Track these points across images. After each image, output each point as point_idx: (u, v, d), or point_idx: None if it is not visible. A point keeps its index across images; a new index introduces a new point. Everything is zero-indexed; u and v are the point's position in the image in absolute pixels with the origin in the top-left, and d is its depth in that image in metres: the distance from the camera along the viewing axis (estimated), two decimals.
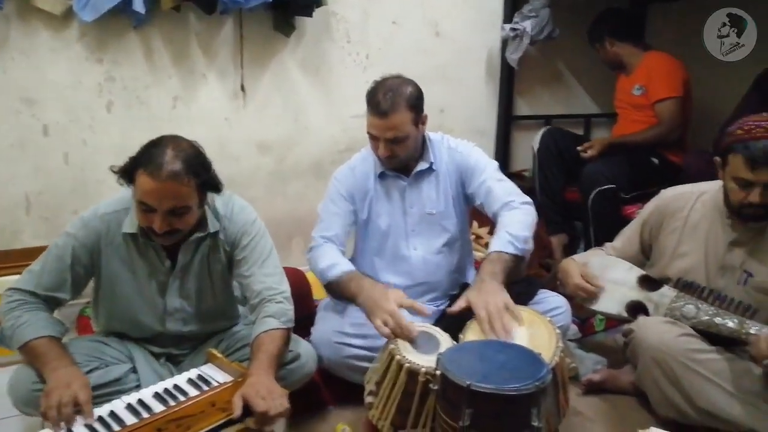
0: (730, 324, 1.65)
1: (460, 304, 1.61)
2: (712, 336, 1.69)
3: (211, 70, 2.52)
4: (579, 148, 2.77)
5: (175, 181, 1.39)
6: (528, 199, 1.86)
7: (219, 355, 1.52)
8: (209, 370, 1.49)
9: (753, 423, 1.59)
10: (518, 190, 1.88)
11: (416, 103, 1.82)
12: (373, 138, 1.83)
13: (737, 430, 1.62)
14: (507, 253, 1.69)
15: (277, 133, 2.70)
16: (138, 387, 1.52)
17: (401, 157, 1.85)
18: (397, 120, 1.76)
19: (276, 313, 1.52)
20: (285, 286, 1.62)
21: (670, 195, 1.92)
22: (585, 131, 3.39)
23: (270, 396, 1.29)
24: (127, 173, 1.44)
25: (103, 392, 1.48)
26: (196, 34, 2.46)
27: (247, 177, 2.68)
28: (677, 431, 1.66)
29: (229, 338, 1.70)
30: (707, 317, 1.70)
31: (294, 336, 1.68)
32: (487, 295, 1.57)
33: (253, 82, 2.61)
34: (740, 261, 1.73)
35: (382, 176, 1.94)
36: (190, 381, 1.44)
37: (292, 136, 2.73)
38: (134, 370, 1.58)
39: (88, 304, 2.08)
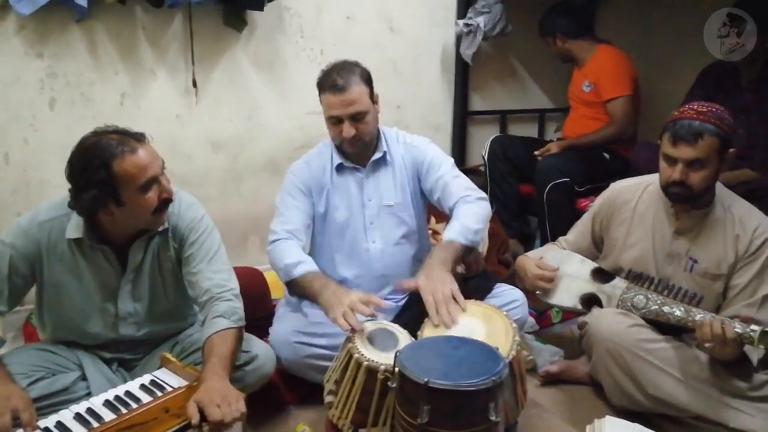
0: (678, 312, 1.70)
1: (409, 284, 1.66)
2: (662, 325, 1.75)
3: (161, 65, 2.45)
4: (536, 153, 2.80)
5: None
6: (484, 195, 1.88)
7: (173, 359, 1.48)
8: (163, 375, 1.44)
9: (700, 407, 1.65)
10: (474, 186, 1.90)
11: (369, 78, 1.85)
12: (335, 121, 1.81)
13: (686, 415, 1.68)
14: (458, 242, 1.72)
15: (231, 131, 2.65)
16: (88, 395, 1.46)
17: (365, 138, 1.84)
18: (355, 93, 1.77)
19: (226, 312, 1.49)
20: (234, 283, 1.59)
21: (618, 188, 1.97)
22: (539, 126, 3.45)
23: (225, 402, 1.26)
24: None
25: (51, 402, 1.42)
26: (143, 28, 2.38)
27: (200, 176, 2.61)
28: (630, 418, 1.70)
29: (183, 341, 1.66)
30: (656, 307, 1.75)
31: (251, 337, 1.66)
32: (436, 281, 1.59)
33: (205, 78, 2.55)
34: (685, 249, 1.79)
35: (339, 169, 1.93)
36: (143, 387, 1.40)
37: (246, 133, 2.68)
38: (84, 377, 1.53)
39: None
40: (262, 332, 1.82)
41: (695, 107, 1.68)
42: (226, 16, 2.49)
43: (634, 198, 1.90)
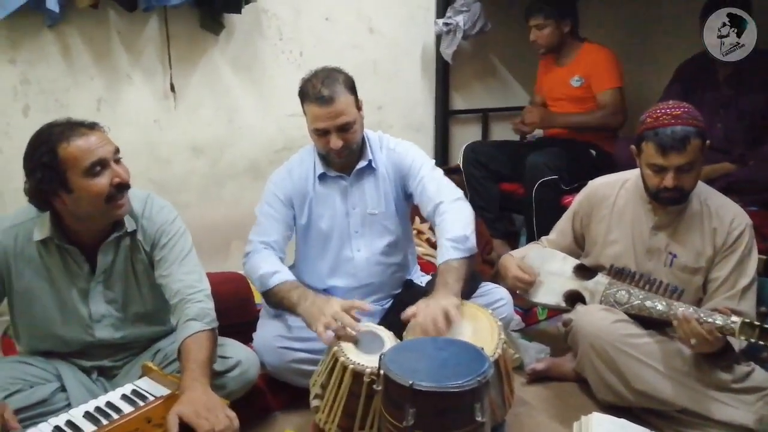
0: (660, 307, 1.71)
1: (408, 313, 1.57)
2: (645, 319, 1.75)
3: (137, 70, 2.42)
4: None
5: None
6: (459, 194, 1.84)
7: (155, 367, 1.45)
8: (145, 385, 1.41)
9: (684, 400, 1.66)
10: (450, 187, 1.85)
11: (353, 85, 1.80)
12: (322, 133, 1.77)
13: (671, 409, 1.69)
14: (454, 259, 1.67)
15: (211, 134, 2.62)
16: (68, 407, 1.43)
17: (353, 147, 1.81)
18: (342, 104, 1.73)
19: (198, 314, 1.47)
20: (205, 284, 1.56)
21: (596, 185, 1.98)
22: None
23: (211, 413, 1.24)
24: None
25: (29, 415, 1.39)
26: (117, 32, 2.35)
27: (180, 181, 2.58)
28: (617, 414, 1.71)
29: (166, 348, 1.63)
30: (638, 302, 1.76)
31: (234, 342, 1.64)
32: (433, 310, 1.52)
33: (183, 82, 2.52)
34: (664, 244, 1.80)
35: (322, 178, 1.90)
36: (125, 397, 1.37)
37: (226, 136, 2.66)
38: (63, 388, 1.49)
39: None
40: (246, 337, 1.80)
41: (669, 111, 1.68)
42: (203, 20, 2.46)
43: (613, 194, 1.91)
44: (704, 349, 1.59)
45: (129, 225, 1.53)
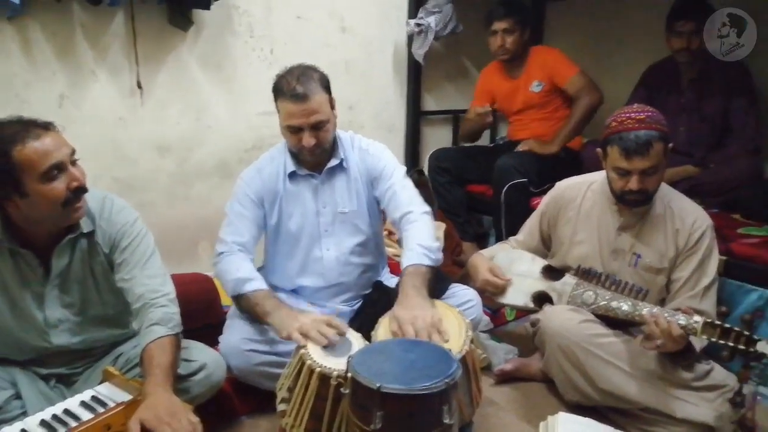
0: (625, 307, 1.74)
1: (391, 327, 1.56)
2: (611, 319, 1.78)
3: (102, 66, 2.35)
4: (521, 149, 2.76)
5: None
6: (427, 209, 1.85)
7: (116, 372, 1.41)
8: (105, 390, 1.37)
9: (648, 399, 1.70)
10: (419, 200, 1.87)
11: (327, 84, 1.79)
12: (295, 130, 1.75)
13: (635, 407, 1.72)
14: (423, 265, 1.68)
15: (178, 133, 2.57)
16: (24, 415, 1.38)
17: (325, 145, 1.80)
18: (316, 102, 1.72)
19: (162, 319, 1.43)
20: (169, 288, 1.52)
21: (563, 186, 2.01)
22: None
23: (173, 418, 1.21)
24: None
25: None
26: (81, 26, 2.28)
27: (147, 180, 2.53)
28: (582, 413, 1.73)
29: (128, 352, 1.59)
30: (605, 302, 1.78)
31: (199, 345, 1.61)
32: (414, 310, 1.53)
33: (150, 79, 2.46)
34: (629, 244, 1.83)
35: (292, 176, 1.88)
36: (84, 404, 1.33)
37: (194, 135, 2.61)
38: (18, 396, 1.44)
39: None
40: (212, 340, 1.77)
41: (633, 116, 1.72)
42: (171, 15, 2.41)
43: (579, 196, 1.94)
44: (669, 348, 1.62)
45: (85, 226, 1.47)
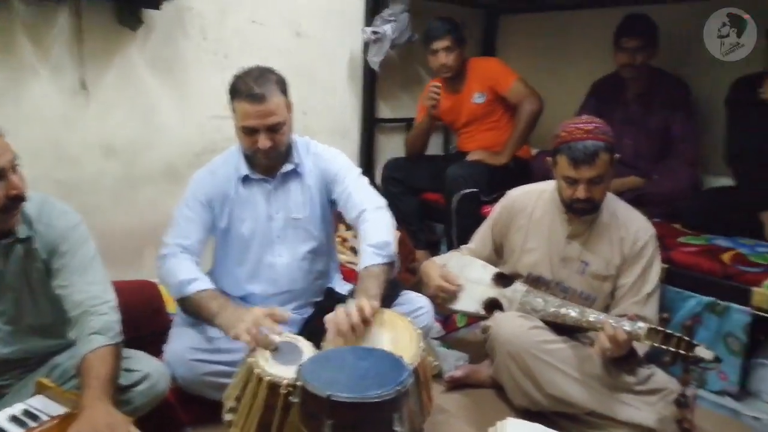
0: (573, 314, 1.78)
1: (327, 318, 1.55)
2: (559, 326, 1.82)
3: (44, 64, 2.25)
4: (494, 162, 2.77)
5: None
6: (382, 203, 1.85)
7: (50, 384, 1.34)
8: (38, 403, 1.30)
9: (593, 403, 1.74)
10: (375, 197, 1.86)
11: (285, 87, 1.78)
12: (250, 131, 1.72)
13: (581, 412, 1.76)
14: (375, 264, 1.67)
15: (125, 135, 2.49)
16: None
17: (280, 148, 1.78)
18: (273, 104, 1.70)
19: (102, 328, 1.38)
20: (110, 295, 1.47)
21: (514, 195, 2.04)
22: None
23: (111, 431, 1.16)
24: None
25: None
26: (23, 23, 2.18)
27: (91, 183, 2.43)
28: (530, 418, 1.75)
29: (65, 363, 1.51)
30: (554, 309, 1.82)
31: (142, 354, 1.56)
32: (344, 307, 1.52)
33: (96, 79, 2.37)
34: (578, 253, 1.88)
35: (245, 180, 1.85)
36: (14, 418, 1.25)
37: (142, 138, 2.53)
38: None
39: None
40: (157, 349, 1.71)
41: (581, 126, 1.77)
42: (120, 14, 2.33)
43: (530, 205, 1.98)
44: (615, 353, 1.66)
45: (21, 232, 1.41)
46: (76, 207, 1.54)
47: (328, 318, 1.52)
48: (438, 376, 2.05)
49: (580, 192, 1.75)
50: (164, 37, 2.50)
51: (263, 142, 1.72)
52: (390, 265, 1.72)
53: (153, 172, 2.58)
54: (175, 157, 2.62)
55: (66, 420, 1.21)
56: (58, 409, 1.28)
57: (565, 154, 1.76)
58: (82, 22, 2.27)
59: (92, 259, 1.48)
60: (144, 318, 1.89)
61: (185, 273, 1.69)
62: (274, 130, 1.73)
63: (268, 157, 1.77)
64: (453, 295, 1.98)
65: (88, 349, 1.34)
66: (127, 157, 2.51)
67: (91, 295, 1.42)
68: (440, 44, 2.78)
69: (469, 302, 1.98)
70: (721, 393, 2.05)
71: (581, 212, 1.83)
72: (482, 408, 1.94)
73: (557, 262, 1.91)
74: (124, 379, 1.43)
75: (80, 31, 2.28)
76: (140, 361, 1.51)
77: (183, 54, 2.57)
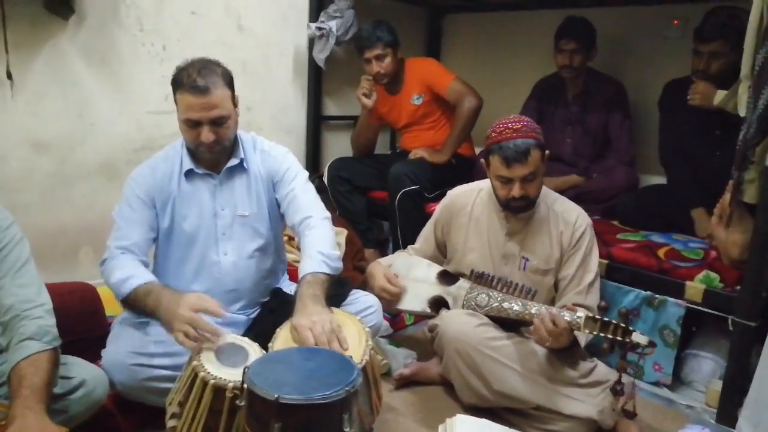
0: (516, 308, 1.81)
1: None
2: (503, 320, 1.85)
3: None
4: (413, 157, 2.79)
5: None
6: (327, 214, 1.84)
7: None
8: None
9: (538, 398, 1.78)
10: (320, 205, 1.85)
11: (231, 80, 1.73)
12: (193, 124, 1.67)
13: (527, 406, 1.79)
14: (323, 273, 1.65)
15: (57, 130, 2.35)
16: None
17: (224, 143, 1.72)
18: (218, 97, 1.65)
19: (36, 333, 1.30)
20: (44, 298, 1.40)
21: (454, 194, 2.07)
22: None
23: None
24: None
25: None
26: None
27: (19, 180, 2.29)
28: (479, 414, 1.78)
29: None
30: (497, 304, 1.85)
31: (78, 360, 1.48)
32: (312, 316, 1.50)
33: (23, 69, 2.23)
34: (518, 249, 1.92)
35: (188, 175, 1.78)
36: None
37: (75, 133, 2.40)
38: None
39: None
40: (95, 354, 1.63)
41: (510, 125, 1.80)
42: (49, 1, 2.21)
43: (470, 203, 2.01)
44: (557, 344, 1.70)
45: None
46: (4, 206, 1.45)
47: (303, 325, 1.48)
48: (387, 374, 2.05)
49: (515, 190, 1.79)
50: (97, 27, 2.38)
51: (206, 135, 1.67)
52: (333, 278, 1.71)
53: (88, 168, 2.46)
54: (111, 153, 2.50)
55: None
56: None
57: (497, 154, 1.79)
58: (6, 7, 2.13)
59: (25, 261, 1.40)
60: (80, 321, 1.80)
61: (119, 273, 1.64)
62: (218, 123, 1.68)
63: (212, 152, 1.72)
64: (397, 296, 1.99)
65: (21, 356, 1.26)
66: (60, 152, 2.38)
67: (23, 298, 1.34)
68: (371, 53, 2.77)
69: (415, 301, 1.99)
70: (656, 383, 2.14)
71: (518, 210, 1.86)
72: (431, 405, 1.95)
73: (498, 260, 1.94)
74: (59, 387, 1.35)
75: (3, 17, 2.14)
76: (76, 368, 1.43)
77: (118, 45, 2.46)
